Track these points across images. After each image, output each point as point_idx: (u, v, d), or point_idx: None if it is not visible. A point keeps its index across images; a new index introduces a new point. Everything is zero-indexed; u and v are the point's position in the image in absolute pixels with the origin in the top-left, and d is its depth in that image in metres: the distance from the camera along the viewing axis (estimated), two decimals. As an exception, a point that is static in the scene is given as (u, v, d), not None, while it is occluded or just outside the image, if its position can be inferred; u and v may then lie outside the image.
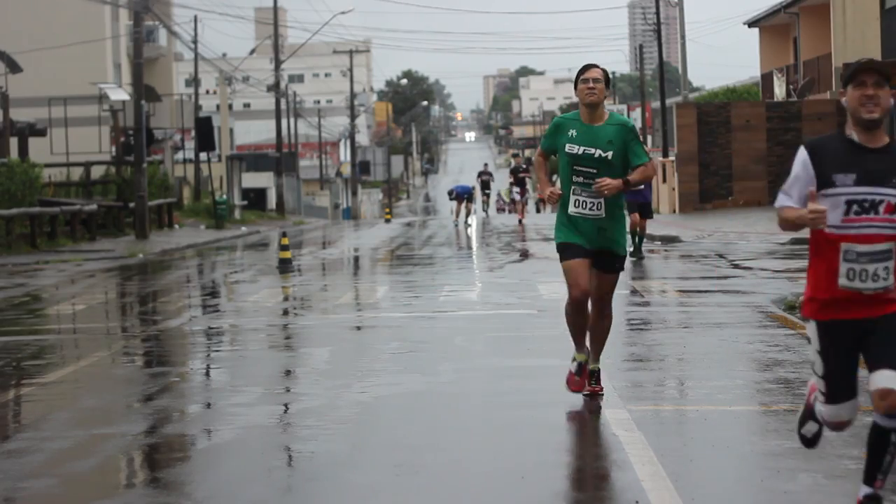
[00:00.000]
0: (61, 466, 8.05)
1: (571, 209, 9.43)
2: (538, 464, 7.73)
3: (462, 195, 45.64)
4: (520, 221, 43.36)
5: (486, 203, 53.51)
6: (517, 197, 46.84)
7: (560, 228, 9.59)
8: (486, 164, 55.09)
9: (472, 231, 39.48)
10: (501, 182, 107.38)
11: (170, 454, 8.43)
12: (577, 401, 9.71)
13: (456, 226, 41.99)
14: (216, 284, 23.25)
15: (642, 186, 21.64)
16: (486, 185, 52.19)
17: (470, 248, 30.98)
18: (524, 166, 47.55)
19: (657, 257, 24.92)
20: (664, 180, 47.14)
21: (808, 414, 6.53)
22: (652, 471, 7.34)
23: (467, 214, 45.81)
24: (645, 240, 24.76)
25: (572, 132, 9.44)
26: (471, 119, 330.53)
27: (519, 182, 46.21)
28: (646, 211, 23.70)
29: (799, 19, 50.56)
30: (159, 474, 7.92)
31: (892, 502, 6.63)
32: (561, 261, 9.54)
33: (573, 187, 9.42)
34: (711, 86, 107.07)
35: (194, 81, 59.85)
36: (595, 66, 9.53)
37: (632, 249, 23.00)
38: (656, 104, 66.97)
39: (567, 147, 9.42)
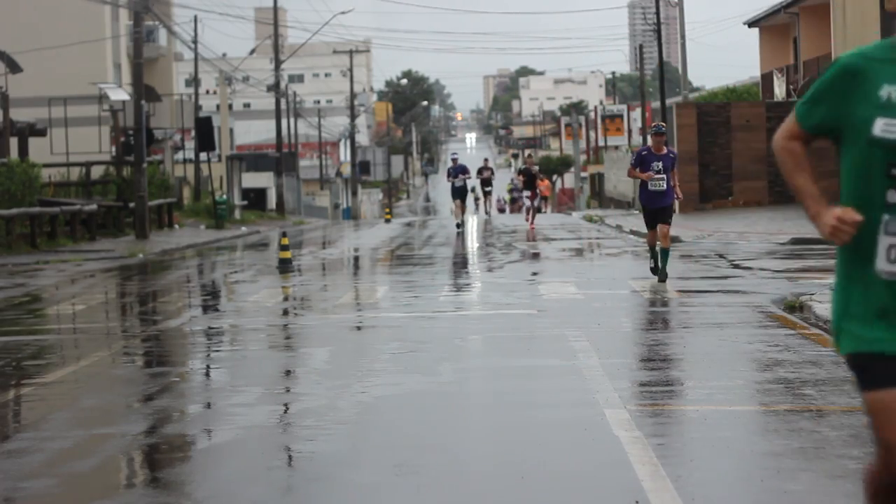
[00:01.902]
0: (61, 466, 8.05)
1: (883, 265, 4.36)
2: (538, 464, 7.73)
3: (459, 189, 42.42)
4: (530, 227, 39.87)
5: (486, 202, 52.38)
6: (526, 202, 42.00)
7: (848, 312, 4.44)
8: (486, 160, 53.16)
9: (473, 231, 39.42)
10: (502, 181, 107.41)
11: (170, 454, 8.43)
12: (577, 401, 9.71)
13: (458, 227, 40.16)
14: (216, 284, 23.25)
15: (664, 186, 19.10)
16: (486, 183, 50.17)
17: (470, 248, 30.97)
18: (536, 167, 43.74)
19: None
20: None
21: None
22: (652, 471, 7.34)
23: (462, 212, 42.94)
24: (669, 254, 19.68)
25: (890, 91, 4.37)
26: (471, 119, 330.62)
27: (530, 184, 41.48)
28: (667, 215, 19.31)
29: (799, 19, 50.56)
30: (159, 474, 7.92)
31: (892, 502, 6.63)
32: (862, 388, 4.42)
33: (885, 217, 4.35)
34: (711, 86, 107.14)
35: (194, 81, 59.86)
36: None
37: (652, 265, 19.54)
38: (656, 104, 66.96)
39: (880, 125, 4.35)
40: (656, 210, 19.25)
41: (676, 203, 20.12)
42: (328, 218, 78.27)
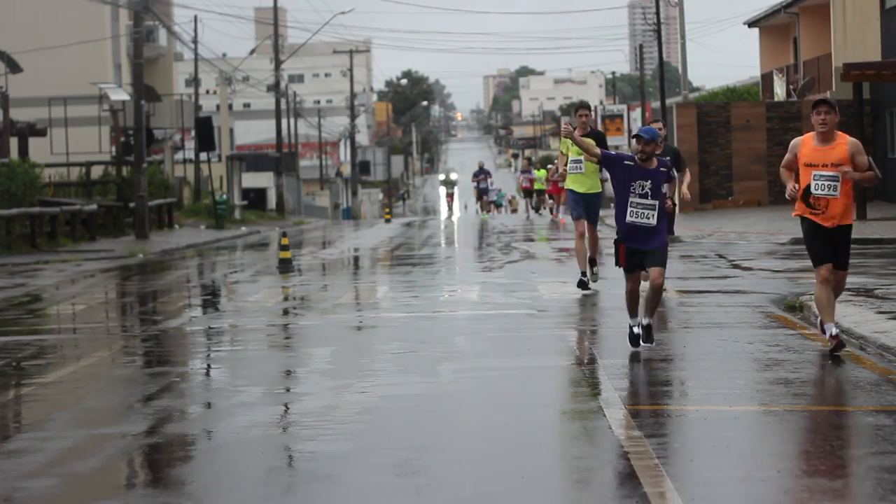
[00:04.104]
0: (61, 466, 8.05)
1: None
2: (538, 464, 7.73)
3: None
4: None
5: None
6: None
7: None
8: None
9: (474, 230, 39.46)
10: (503, 183, 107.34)
11: (170, 454, 8.43)
12: (576, 401, 9.71)
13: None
14: (216, 284, 23.25)
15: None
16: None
17: (469, 247, 30.97)
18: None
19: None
20: (664, 180, 47.24)
21: None
22: (652, 471, 7.34)
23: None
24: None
25: None
26: (471, 119, 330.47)
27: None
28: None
29: (799, 19, 50.56)
30: (160, 474, 7.92)
31: (892, 502, 6.64)
32: None
33: None
34: (711, 86, 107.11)
35: (194, 81, 59.86)
36: None
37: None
38: (656, 104, 66.96)
39: None
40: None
41: (677, 201, 18.57)
42: (328, 218, 78.27)
